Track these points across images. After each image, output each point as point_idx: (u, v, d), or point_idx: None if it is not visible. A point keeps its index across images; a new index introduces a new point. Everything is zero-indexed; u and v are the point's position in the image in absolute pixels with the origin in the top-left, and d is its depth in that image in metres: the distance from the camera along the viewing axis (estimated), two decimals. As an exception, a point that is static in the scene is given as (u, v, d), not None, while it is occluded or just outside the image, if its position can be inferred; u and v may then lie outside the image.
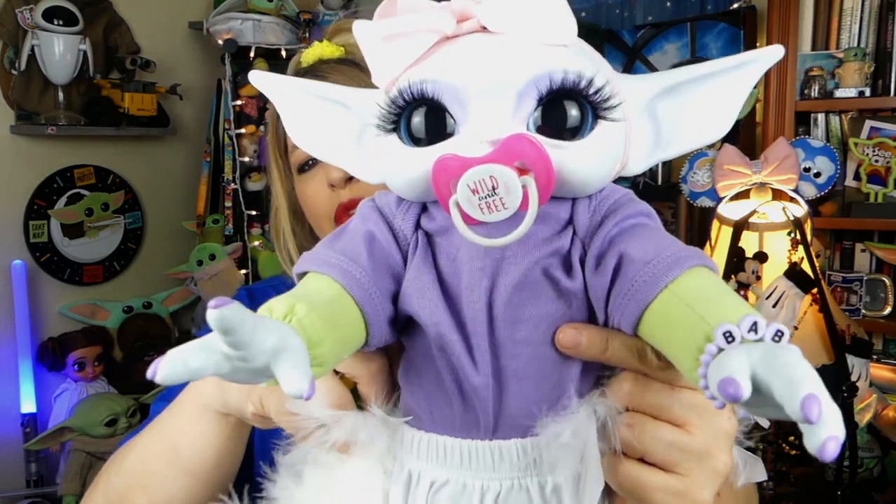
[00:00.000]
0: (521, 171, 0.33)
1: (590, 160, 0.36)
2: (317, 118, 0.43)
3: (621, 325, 0.36)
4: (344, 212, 0.75)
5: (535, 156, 0.34)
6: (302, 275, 0.39)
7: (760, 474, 0.44)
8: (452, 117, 0.36)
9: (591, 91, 0.36)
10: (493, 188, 0.33)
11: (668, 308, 0.34)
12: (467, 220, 0.34)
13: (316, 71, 0.82)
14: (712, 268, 0.36)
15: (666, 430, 0.38)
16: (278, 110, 0.44)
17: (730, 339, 0.30)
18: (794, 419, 0.27)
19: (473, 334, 0.37)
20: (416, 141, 0.37)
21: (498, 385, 0.38)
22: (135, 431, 0.67)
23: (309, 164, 0.80)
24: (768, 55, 0.40)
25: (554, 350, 0.37)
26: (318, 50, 0.86)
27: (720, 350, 0.30)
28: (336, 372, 0.43)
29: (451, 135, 0.36)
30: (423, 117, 0.37)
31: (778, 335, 0.30)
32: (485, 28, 0.36)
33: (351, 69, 0.81)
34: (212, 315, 0.27)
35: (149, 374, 0.30)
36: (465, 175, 0.33)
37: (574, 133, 0.36)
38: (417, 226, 0.39)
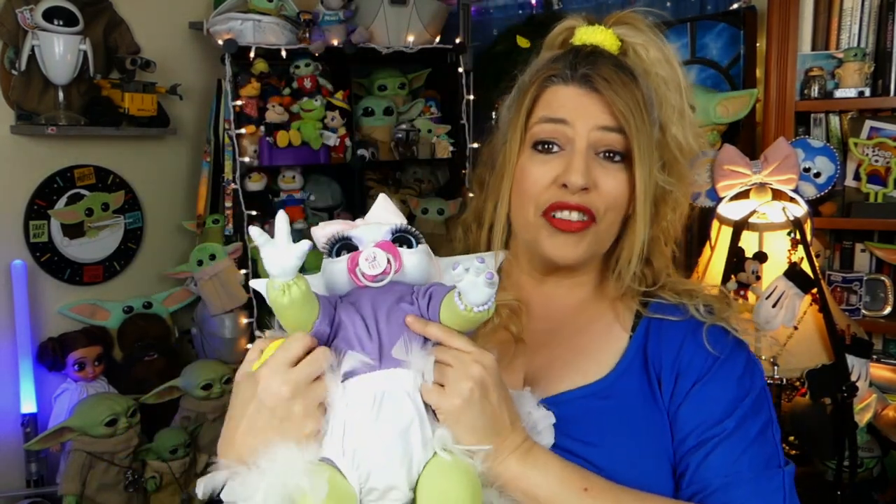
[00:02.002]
0: (388, 252, 0.74)
1: (417, 260, 0.75)
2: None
3: (433, 318, 0.73)
4: (554, 209, 0.84)
5: (390, 247, 0.73)
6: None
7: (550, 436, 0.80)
8: (356, 245, 0.75)
9: (411, 232, 0.76)
10: (375, 258, 0.72)
11: (446, 305, 0.72)
12: (367, 278, 0.72)
13: (592, 57, 0.84)
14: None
15: (444, 368, 0.71)
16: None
17: (458, 292, 0.70)
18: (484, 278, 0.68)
19: (370, 327, 0.73)
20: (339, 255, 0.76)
21: (379, 345, 0.72)
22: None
23: (546, 147, 0.85)
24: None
25: (406, 328, 0.73)
26: (599, 36, 0.87)
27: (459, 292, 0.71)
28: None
29: (354, 249, 0.75)
30: (342, 247, 0.76)
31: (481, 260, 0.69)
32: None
33: (627, 81, 0.83)
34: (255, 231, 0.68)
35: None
36: (364, 252, 0.73)
37: (410, 247, 0.75)
38: (339, 299, 0.76)
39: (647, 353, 0.87)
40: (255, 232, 0.67)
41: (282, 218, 0.68)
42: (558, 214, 0.83)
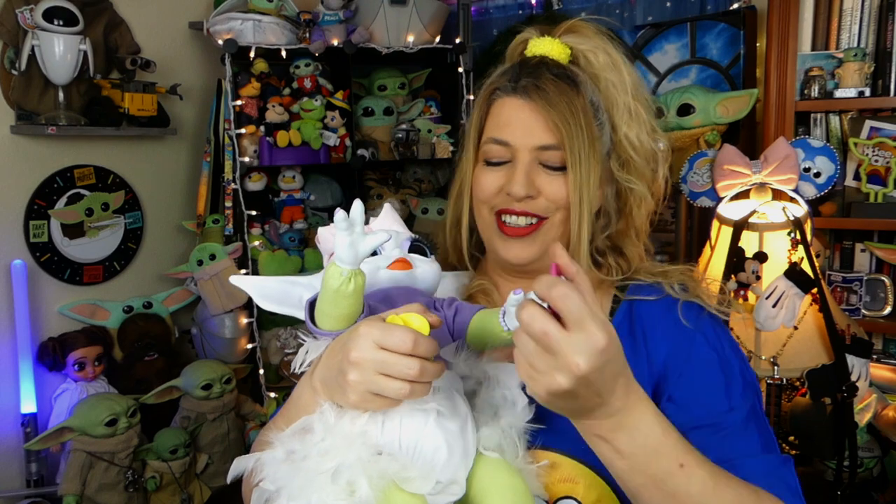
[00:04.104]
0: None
1: (433, 268, 0.82)
2: (282, 292, 0.85)
3: (458, 329, 0.78)
4: (502, 213, 0.92)
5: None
6: None
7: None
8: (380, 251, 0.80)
9: (424, 242, 0.83)
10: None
11: (479, 319, 0.78)
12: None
13: (536, 69, 0.90)
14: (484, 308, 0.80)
15: (543, 353, 0.65)
16: (254, 299, 0.84)
17: (504, 313, 0.72)
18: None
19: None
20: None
21: None
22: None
23: (496, 163, 0.92)
24: None
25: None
26: (547, 46, 0.93)
27: (504, 313, 0.72)
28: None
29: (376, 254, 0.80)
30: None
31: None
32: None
33: (566, 90, 0.88)
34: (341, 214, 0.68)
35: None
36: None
37: (425, 256, 0.83)
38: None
39: (635, 336, 0.91)
40: (340, 216, 0.66)
41: (359, 208, 0.68)
42: (507, 220, 0.92)
